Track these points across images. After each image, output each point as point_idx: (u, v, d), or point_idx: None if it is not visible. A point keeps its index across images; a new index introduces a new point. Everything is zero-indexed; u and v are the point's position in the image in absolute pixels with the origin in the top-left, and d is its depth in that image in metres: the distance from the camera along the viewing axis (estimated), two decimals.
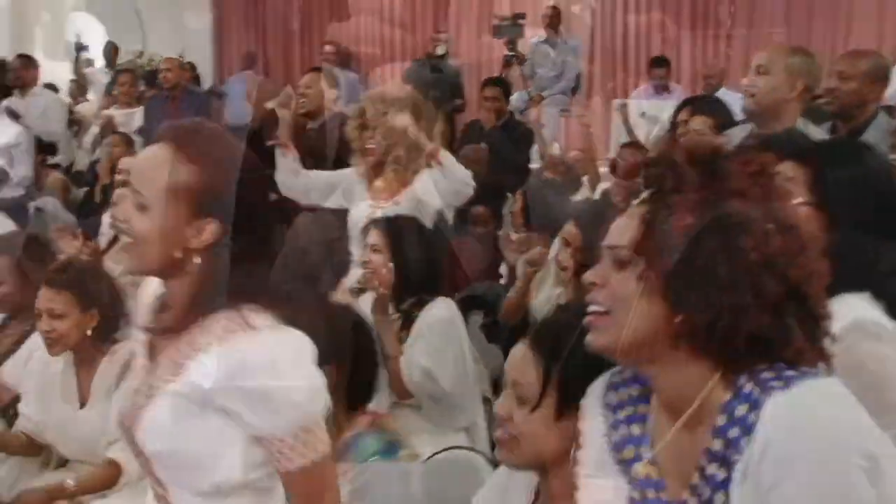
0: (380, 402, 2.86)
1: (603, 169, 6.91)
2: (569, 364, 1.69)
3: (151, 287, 1.85)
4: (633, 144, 6.41)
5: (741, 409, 1.32)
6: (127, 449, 1.93)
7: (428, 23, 10.55)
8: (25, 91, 7.69)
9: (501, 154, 6.38)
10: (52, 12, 10.53)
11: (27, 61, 8.01)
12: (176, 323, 1.74)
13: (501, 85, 7.18)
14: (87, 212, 6.10)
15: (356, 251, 3.61)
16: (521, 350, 1.81)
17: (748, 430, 1.30)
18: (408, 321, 3.27)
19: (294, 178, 4.11)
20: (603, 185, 6.56)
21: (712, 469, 1.34)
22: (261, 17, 11.40)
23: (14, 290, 3.45)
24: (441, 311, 3.26)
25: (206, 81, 10.11)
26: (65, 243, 4.13)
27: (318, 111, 5.59)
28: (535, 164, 6.77)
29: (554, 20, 8.56)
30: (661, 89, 8.21)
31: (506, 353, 1.93)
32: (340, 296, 3.45)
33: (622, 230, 1.41)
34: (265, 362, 1.65)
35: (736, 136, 3.72)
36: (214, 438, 1.69)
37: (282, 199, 4.08)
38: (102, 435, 2.90)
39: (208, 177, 1.70)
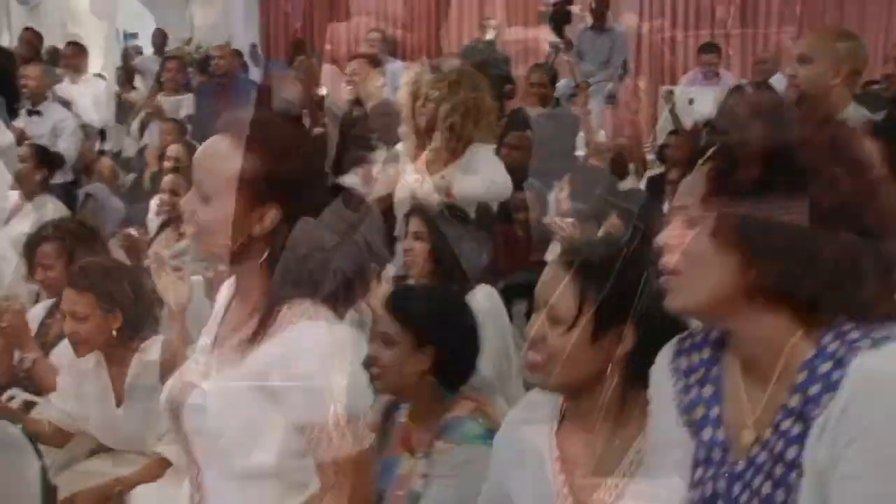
0: None
1: (650, 156, 6.87)
2: (606, 284, 1.69)
3: (227, 289, 1.91)
4: (682, 131, 6.35)
5: (824, 367, 1.31)
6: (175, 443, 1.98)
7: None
8: (76, 78, 7.80)
9: (547, 141, 6.35)
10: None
11: (77, 49, 8.14)
12: (249, 315, 1.78)
13: (547, 71, 7.14)
14: (135, 198, 6.16)
15: (400, 236, 3.61)
16: (555, 270, 1.80)
17: (831, 387, 1.29)
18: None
19: None
20: (650, 173, 6.51)
21: (787, 424, 1.33)
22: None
23: (63, 275, 3.49)
24: (482, 301, 3.24)
25: None
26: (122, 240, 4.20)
27: (365, 98, 5.60)
28: (580, 152, 6.73)
29: (600, 6, 8.49)
30: (711, 75, 8.12)
31: None
32: (385, 285, 3.44)
33: (690, 189, 1.39)
34: (316, 351, 1.70)
35: None
36: (255, 422, 1.73)
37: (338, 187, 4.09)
38: (145, 431, 2.91)
39: (268, 165, 1.74)
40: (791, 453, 1.32)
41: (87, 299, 2.91)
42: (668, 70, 9.68)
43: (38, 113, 6.56)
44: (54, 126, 6.53)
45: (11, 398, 3.24)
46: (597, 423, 1.76)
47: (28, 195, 5.18)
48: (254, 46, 10.35)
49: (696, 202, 1.37)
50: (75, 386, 3.08)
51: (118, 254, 4.16)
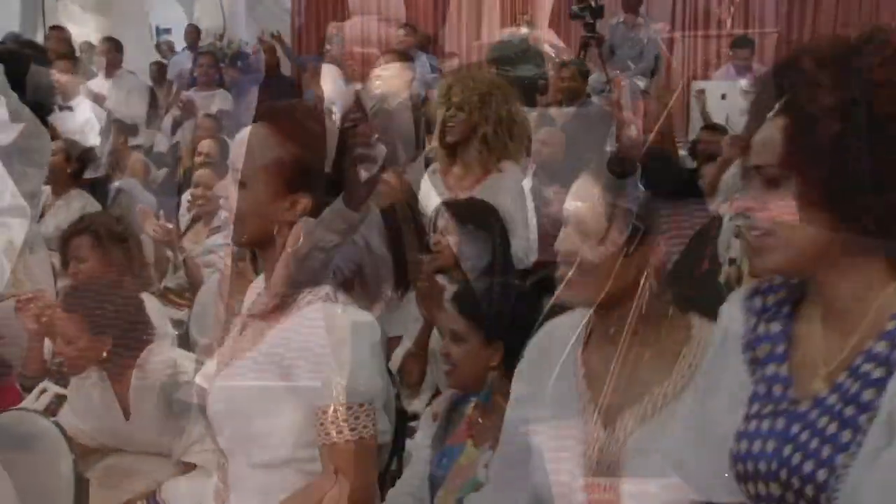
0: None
1: (682, 152, 6.81)
2: (636, 195, 1.68)
3: (259, 283, 1.96)
4: (713, 127, 6.31)
5: None
6: (205, 452, 2.03)
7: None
8: (110, 73, 7.86)
9: (578, 136, 6.31)
10: None
11: (112, 44, 8.20)
12: (271, 299, 1.84)
13: (579, 66, 7.11)
14: (167, 193, 6.19)
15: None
16: (584, 184, 1.78)
17: None
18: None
19: None
20: None
21: (868, 368, 1.32)
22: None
23: (95, 269, 3.51)
24: None
25: None
26: (147, 224, 4.19)
27: (394, 93, 5.59)
28: (611, 147, 6.69)
29: (633, 1, 8.44)
30: (744, 70, 8.04)
31: None
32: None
33: (766, 147, 1.37)
34: (327, 332, 1.75)
35: None
36: (273, 406, 1.78)
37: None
38: (165, 439, 2.87)
39: (301, 153, 1.80)
40: (867, 396, 1.31)
41: (76, 321, 2.85)
42: (700, 65, 9.60)
43: (69, 108, 6.61)
44: (86, 121, 6.58)
45: (44, 391, 3.26)
46: (626, 339, 1.73)
47: (59, 191, 5.22)
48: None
49: (777, 161, 1.35)
50: (82, 400, 3.03)
51: (150, 247, 4.19)
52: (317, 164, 1.82)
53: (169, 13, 10.50)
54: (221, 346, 1.93)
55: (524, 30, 8.16)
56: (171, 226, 4.30)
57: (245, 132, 1.86)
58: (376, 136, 1.87)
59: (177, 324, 3.84)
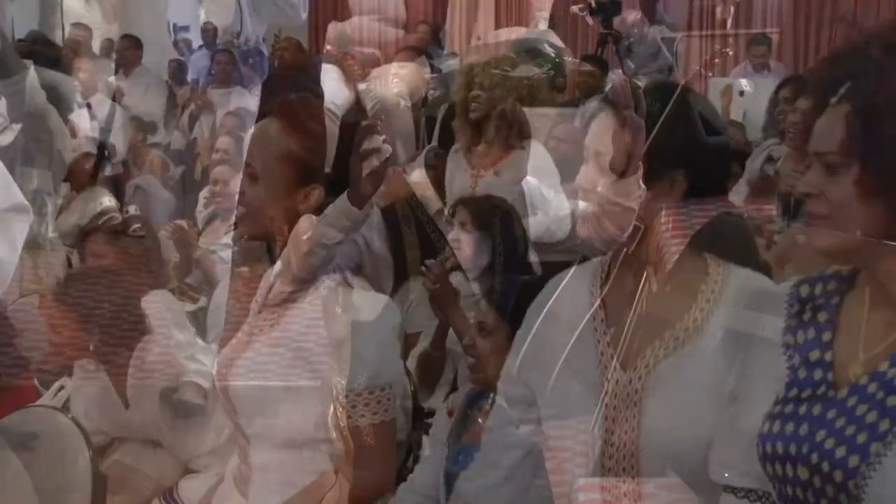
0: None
1: None
2: (657, 126, 1.67)
3: (273, 271, 1.96)
4: (731, 123, 6.27)
5: None
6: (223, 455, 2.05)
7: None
8: (129, 71, 7.88)
9: None
10: None
11: (131, 42, 8.23)
12: (287, 286, 1.86)
13: (598, 62, 7.08)
14: (185, 190, 6.21)
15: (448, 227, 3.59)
16: (604, 120, 1.78)
17: None
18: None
19: None
20: None
21: None
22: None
23: (114, 264, 3.53)
24: None
25: None
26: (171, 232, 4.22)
27: (412, 90, 5.60)
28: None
29: None
30: (761, 67, 8.00)
31: None
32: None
33: (828, 133, 1.36)
34: (353, 317, 1.78)
35: None
36: (293, 389, 1.81)
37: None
38: (168, 434, 2.86)
39: (314, 146, 1.84)
40: None
41: (62, 311, 2.82)
42: (717, 63, 9.54)
43: (88, 106, 6.63)
44: (105, 118, 6.61)
45: (61, 388, 3.27)
46: (646, 276, 1.73)
47: (78, 187, 5.24)
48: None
49: (837, 149, 1.34)
50: (84, 390, 3.02)
51: (168, 246, 4.21)
52: (328, 156, 1.87)
53: (186, 10, 10.52)
54: (238, 334, 1.94)
55: (542, 25, 8.14)
56: (184, 224, 4.32)
57: (258, 126, 1.90)
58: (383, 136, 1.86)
59: (191, 316, 3.84)
